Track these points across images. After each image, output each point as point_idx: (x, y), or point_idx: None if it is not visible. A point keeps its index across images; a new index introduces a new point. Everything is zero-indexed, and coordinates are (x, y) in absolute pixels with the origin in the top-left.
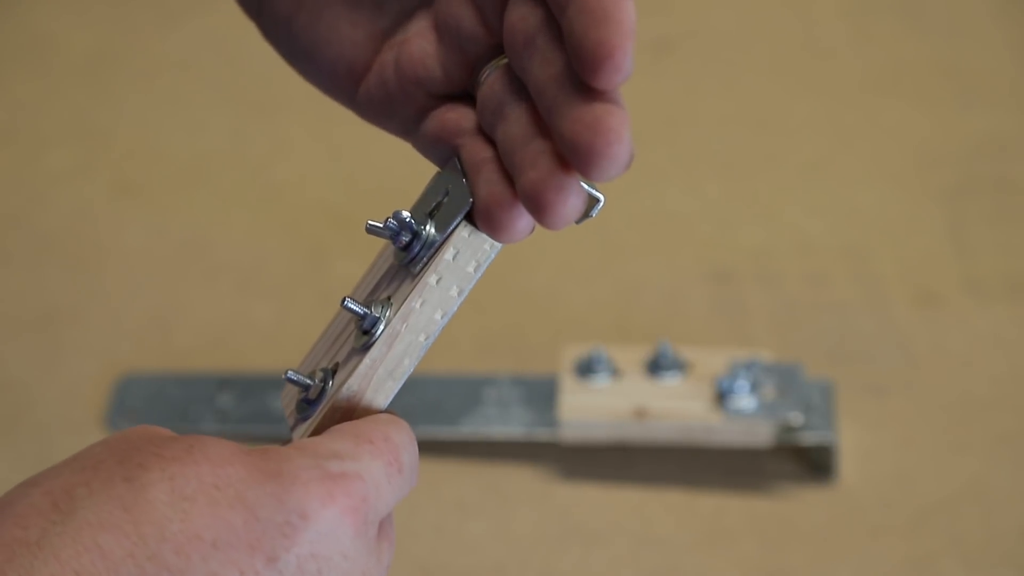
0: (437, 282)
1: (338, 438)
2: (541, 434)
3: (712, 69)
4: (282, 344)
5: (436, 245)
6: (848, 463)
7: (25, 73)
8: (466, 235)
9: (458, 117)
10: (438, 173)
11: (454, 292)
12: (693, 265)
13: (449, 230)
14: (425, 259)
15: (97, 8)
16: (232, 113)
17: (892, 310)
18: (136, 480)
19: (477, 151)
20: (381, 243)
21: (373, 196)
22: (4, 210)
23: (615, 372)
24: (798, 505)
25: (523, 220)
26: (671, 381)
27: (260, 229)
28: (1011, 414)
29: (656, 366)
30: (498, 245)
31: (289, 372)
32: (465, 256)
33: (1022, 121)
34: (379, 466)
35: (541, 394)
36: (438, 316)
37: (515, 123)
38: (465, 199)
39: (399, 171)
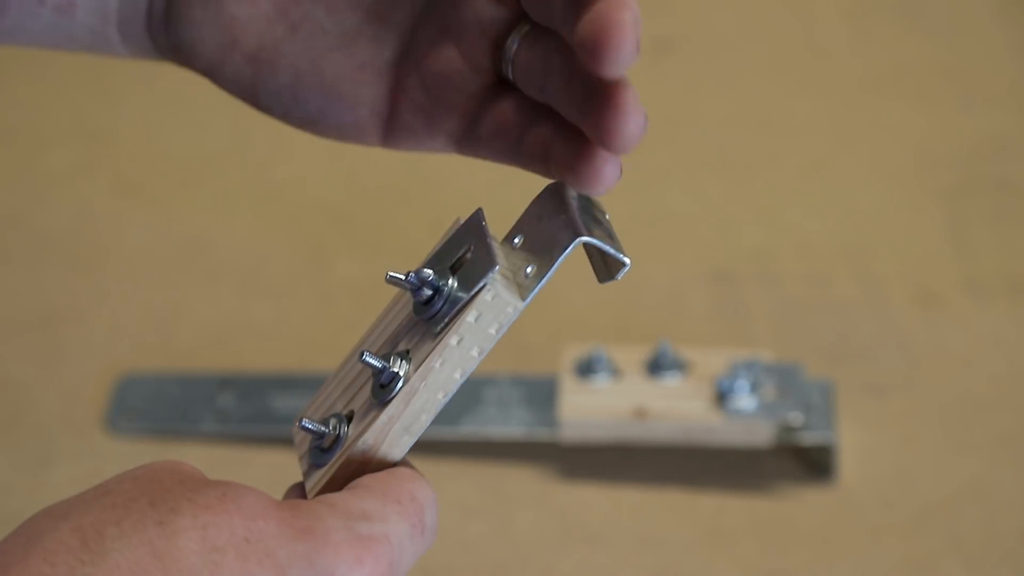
0: (458, 343)
1: (366, 496)
2: (541, 434)
3: (712, 69)
4: (282, 344)
5: (459, 305)
6: (848, 463)
7: (25, 73)
8: (489, 299)
9: (510, 105)
10: (459, 225)
11: (475, 352)
12: (693, 265)
13: (472, 292)
14: (447, 318)
15: None
16: (232, 113)
17: (892, 310)
18: (168, 525)
19: (541, 136)
20: (380, 244)
21: (373, 196)
22: (4, 210)
23: (615, 372)
24: (798, 505)
25: (608, 166)
26: (671, 381)
27: (260, 229)
28: (1011, 414)
29: (656, 366)
30: (520, 306)
31: (304, 420)
32: (488, 319)
33: (1022, 121)
34: (405, 528)
35: (541, 394)
36: (457, 375)
37: (559, 73)
38: (490, 263)
39: (399, 171)
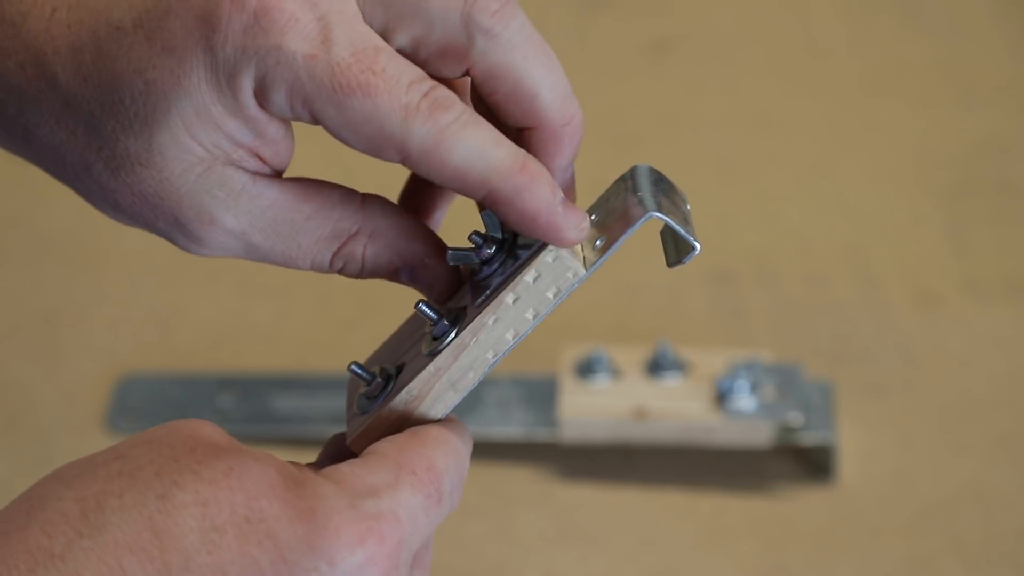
0: (514, 302)
1: (379, 467)
2: (541, 434)
3: (712, 69)
4: (282, 344)
5: (519, 263)
6: (848, 463)
7: None
8: (550, 260)
9: None
10: None
11: (529, 315)
12: (693, 265)
13: (533, 251)
14: (506, 275)
15: None
16: None
17: (892, 310)
18: (169, 500)
19: None
20: None
21: None
22: (4, 210)
23: (615, 372)
24: (798, 505)
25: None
26: (671, 381)
27: None
28: (1011, 414)
29: (656, 366)
30: (581, 274)
31: (353, 364)
32: (546, 281)
33: (1022, 121)
34: (418, 500)
35: (541, 394)
36: (509, 336)
37: None
38: None
39: (398, 172)
